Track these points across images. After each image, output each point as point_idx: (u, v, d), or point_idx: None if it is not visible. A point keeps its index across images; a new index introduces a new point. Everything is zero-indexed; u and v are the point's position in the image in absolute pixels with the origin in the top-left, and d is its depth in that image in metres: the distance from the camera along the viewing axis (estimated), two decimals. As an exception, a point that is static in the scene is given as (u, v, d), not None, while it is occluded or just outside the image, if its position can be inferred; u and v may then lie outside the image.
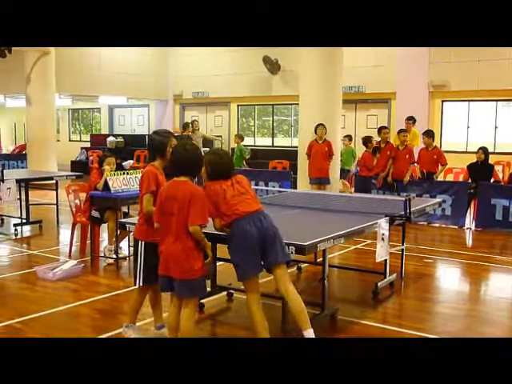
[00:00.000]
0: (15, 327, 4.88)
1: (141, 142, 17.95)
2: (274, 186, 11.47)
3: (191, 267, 3.86)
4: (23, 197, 9.16)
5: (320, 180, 10.66)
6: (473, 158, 10.19)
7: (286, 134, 19.27)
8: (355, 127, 16.80)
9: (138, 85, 19.28)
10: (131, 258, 5.97)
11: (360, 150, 12.48)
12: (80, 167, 17.12)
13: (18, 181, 8.83)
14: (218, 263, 5.53)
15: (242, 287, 4.31)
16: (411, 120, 11.20)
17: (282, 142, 19.10)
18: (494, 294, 6.31)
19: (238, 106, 19.46)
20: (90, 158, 17.83)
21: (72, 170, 17.26)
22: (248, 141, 17.04)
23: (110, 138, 19.27)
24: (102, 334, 4.69)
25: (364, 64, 15.48)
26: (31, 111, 15.50)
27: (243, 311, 4.63)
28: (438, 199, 7.92)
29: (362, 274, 6.64)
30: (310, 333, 4.02)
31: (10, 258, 7.52)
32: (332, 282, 6.11)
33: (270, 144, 19.05)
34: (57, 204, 9.58)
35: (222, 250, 4.70)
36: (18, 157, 17.97)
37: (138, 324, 4.62)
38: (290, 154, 14.27)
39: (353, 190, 11.12)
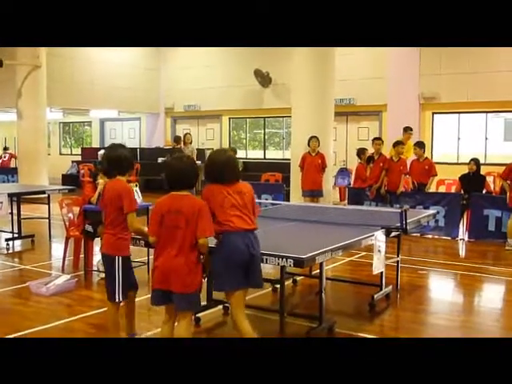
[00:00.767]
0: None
1: (132, 156, 17.86)
2: (266, 199, 11.46)
3: (192, 281, 3.88)
4: (15, 211, 9.10)
5: (313, 192, 10.67)
6: (464, 170, 10.25)
7: (278, 147, 19.30)
8: (346, 139, 16.86)
9: (130, 98, 19.30)
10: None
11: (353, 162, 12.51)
12: (71, 181, 17.03)
13: (10, 195, 8.77)
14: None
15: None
16: (411, 130, 11.25)
17: (273, 154, 19.13)
18: (487, 305, 6.33)
19: (229, 118, 19.50)
20: (81, 171, 17.76)
21: (63, 184, 17.19)
22: (240, 153, 17.04)
23: (102, 152, 19.18)
24: (98, 350, 4.64)
25: (355, 76, 15.56)
26: (22, 125, 15.45)
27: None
28: (432, 211, 7.95)
29: (357, 286, 6.63)
30: None
31: (2, 273, 7.45)
32: (328, 295, 6.09)
33: (262, 157, 19.07)
34: (49, 218, 9.51)
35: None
36: (9, 171, 17.87)
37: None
38: (282, 167, 14.29)
39: (346, 202, 11.14)
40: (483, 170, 10.93)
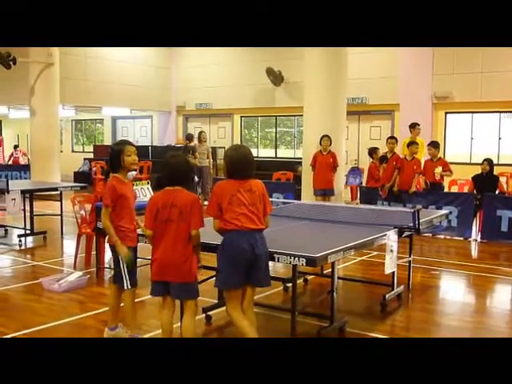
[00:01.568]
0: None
1: (144, 154, 17.95)
2: (278, 198, 11.43)
3: (188, 271, 4.06)
4: (27, 207, 9.16)
5: (325, 191, 10.65)
6: (477, 170, 10.18)
7: (289, 146, 19.27)
8: (358, 138, 16.81)
9: (142, 96, 19.36)
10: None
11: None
12: (83, 178, 17.11)
13: (23, 192, 8.82)
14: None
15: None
16: (418, 125, 11.16)
17: (284, 153, 19.10)
18: (500, 306, 6.29)
19: (241, 117, 19.50)
20: (93, 168, 17.84)
21: (75, 181, 17.26)
22: (251, 152, 17.01)
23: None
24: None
25: (367, 76, 15.51)
26: (35, 122, 15.55)
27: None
28: (445, 211, 7.88)
29: (368, 285, 6.60)
30: None
31: (15, 269, 7.50)
32: (339, 294, 6.07)
33: (273, 155, 19.05)
34: (61, 215, 9.57)
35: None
36: (22, 168, 18.00)
37: (146, 336, 4.61)
38: (293, 166, 14.26)
39: (358, 201, 11.10)
40: (496, 171, 10.85)
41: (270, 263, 4.18)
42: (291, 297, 4.69)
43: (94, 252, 7.24)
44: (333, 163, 10.71)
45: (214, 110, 19.55)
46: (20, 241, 8.82)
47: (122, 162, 4.48)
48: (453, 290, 7.04)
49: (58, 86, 15.58)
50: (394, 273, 5.79)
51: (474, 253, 9.10)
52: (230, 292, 4.12)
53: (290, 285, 5.52)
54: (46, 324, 5.18)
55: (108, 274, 6.97)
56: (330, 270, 5.13)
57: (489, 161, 9.96)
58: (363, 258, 7.96)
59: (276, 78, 17.36)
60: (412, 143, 10.20)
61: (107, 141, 22.83)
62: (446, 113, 15.46)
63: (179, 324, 4.48)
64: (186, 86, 19.82)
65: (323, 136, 10.62)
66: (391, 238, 5.06)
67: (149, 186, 6.41)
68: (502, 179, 11.94)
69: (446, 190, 10.78)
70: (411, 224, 5.52)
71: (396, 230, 5.26)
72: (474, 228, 9.73)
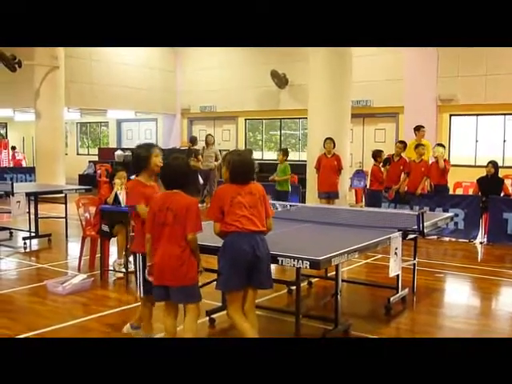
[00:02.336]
0: (26, 341, 4.85)
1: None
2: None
3: (186, 274, 4.02)
4: (32, 210, 9.18)
5: (329, 194, 10.63)
6: (482, 172, 10.16)
7: (294, 148, 19.24)
8: (363, 141, 16.79)
9: (146, 99, 19.41)
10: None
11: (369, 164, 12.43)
12: (88, 181, 17.15)
13: (28, 194, 8.85)
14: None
15: (255, 301, 4.32)
16: (423, 128, 11.14)
17: (289, 155, 18.99)
18: (505, 309, 6.25)
19: (245, 120, 19.51)
20: (98, 171, 17.88)
21: (80, 184, 17.32)
22: (256, 155, 17.05)
23: (118, 152, 19.32)
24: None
25: (372, 78, 15.50)
26: (40, 125, 15.61)
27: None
28: (450, 213, 7.85)
29: (373, 288, 6.59)
30: None
31: (19, 272, 7.51)
32: (343, 297, 6.06)
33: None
34: (66, 217, 9.58)
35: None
36: (27, 170, 18.07)
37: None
38: (298, 168, 14.24)
39: (363, 203, 11.07)
40: (501, 173, 10.80)
41: (273, 266, 4.17)
42: (295, 299, 4.67)
43: (98, 255, 7.24)
44: (337, 166, 10.68)
45: (218, 113, 19.56)
46: (25, 243, 8.84)
47: (148, 165, 4.49)
48: (458, 292, 7.02)
49: (63, 89, 15.64)
50: (398, 275, 5.77)
51: (480, 255, 9.06)
52: (232, 294, 4.12)
53: (294, 288, 5.51)
54: (51, 326, 5.18)
55: (112, 276, 6.98)
56: (334, 272, 5.12)
57: (494, 163, 9.94)
58: (367, 260, 7.94)
59: (280, 80, 17.37)
60: (419, 145, 10.24)
61: (112, 144, 22.89)
62: (451, 115, 15.42)
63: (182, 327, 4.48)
64: (191, 88, 19.85)
65: (326, 139, 10.61)
66: (395, 241, 5.05)
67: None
68: (507, 181, 11.88)
69: (451, 192, 10.75)
70: (415, 227, 5.50)
71: (400, 232, 5.24)
72: (479, 230, 9.70)
